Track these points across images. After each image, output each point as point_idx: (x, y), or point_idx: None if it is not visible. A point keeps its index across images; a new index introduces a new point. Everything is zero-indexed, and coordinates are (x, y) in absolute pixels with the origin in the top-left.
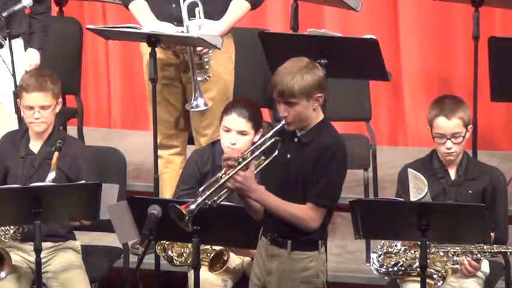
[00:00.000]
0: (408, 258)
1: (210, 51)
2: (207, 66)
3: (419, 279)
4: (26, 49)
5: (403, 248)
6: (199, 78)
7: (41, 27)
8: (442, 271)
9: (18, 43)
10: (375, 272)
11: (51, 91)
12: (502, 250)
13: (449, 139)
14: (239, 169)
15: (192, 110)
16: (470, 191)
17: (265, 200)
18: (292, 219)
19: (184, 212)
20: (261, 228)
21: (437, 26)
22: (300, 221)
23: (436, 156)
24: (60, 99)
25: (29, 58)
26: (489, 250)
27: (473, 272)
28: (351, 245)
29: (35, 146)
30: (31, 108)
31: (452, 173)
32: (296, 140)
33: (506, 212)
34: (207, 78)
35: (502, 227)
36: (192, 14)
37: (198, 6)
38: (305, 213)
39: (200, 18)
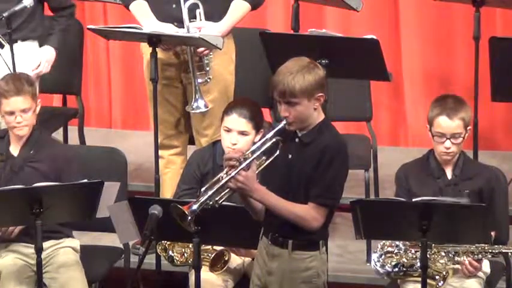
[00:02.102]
0: (409, 258)
1: (211, 54)
2: (208, 68)
3: (420, 279)
4: None
5: (403, 248)
6: (200, 80)
7: (60, 30)
8: (444, 271)
9: (33, 46)
10: (376, 273)
11: (29, 93)
12: (503, 250)
13: (449, 139)
14: (241, 169)
15: (193, 111)
16: (466, 191)
17: (267, 200)
18: (294, 219)
19: (186, 212)
20: (262, 228)
21: (438, 26)
22: (302, 221)
23: (432, 156)
24: (39, 100)
25: (44, 54)
26: (490, 250)
27: (474, 272)
28: (351, 245)
29: (15, 149)
30: (12, 113)
31: (448, 172)
32: (297, 140)
33: (506, 211)
34: (208, 81)
35: (501, 226)
36: (192, 16)
37: (199, 7)
38: (307, 212)
39: (201, 20)
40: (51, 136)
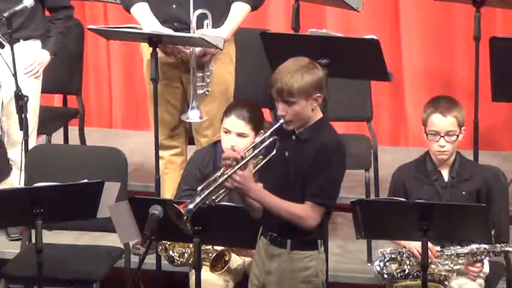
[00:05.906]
0: (412, 263)
1: (212, 67)
2: (208, 80)
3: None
4: None
5: (405, 254)
6: (200, 92)
7: (58, 33)
8: (449, 274)
9: (35, 45)
10: (379, 280)
11: None
12: (505, 249)
13: (443, 137)
14: (237, 168)
15: (187, 120)
16: (464, 192)
17: (264, 199)
18: (290, 218)
19: (182, 211)
20: (261, 228)
21: (439, 26)
22: (298, 220)
23: (429, 158)
24: None
25: (38, 57)
26: (492, 250)
27: (478, 272)
28: (351, 245)
29: None
30: None
31: (445, 174)
32: (294, 137)
33: (506, 211)
34: (206, 93)
35: (501, 226)
36: (200, 25)
37: (207, 18)
38: (304, 211)
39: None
40: None
